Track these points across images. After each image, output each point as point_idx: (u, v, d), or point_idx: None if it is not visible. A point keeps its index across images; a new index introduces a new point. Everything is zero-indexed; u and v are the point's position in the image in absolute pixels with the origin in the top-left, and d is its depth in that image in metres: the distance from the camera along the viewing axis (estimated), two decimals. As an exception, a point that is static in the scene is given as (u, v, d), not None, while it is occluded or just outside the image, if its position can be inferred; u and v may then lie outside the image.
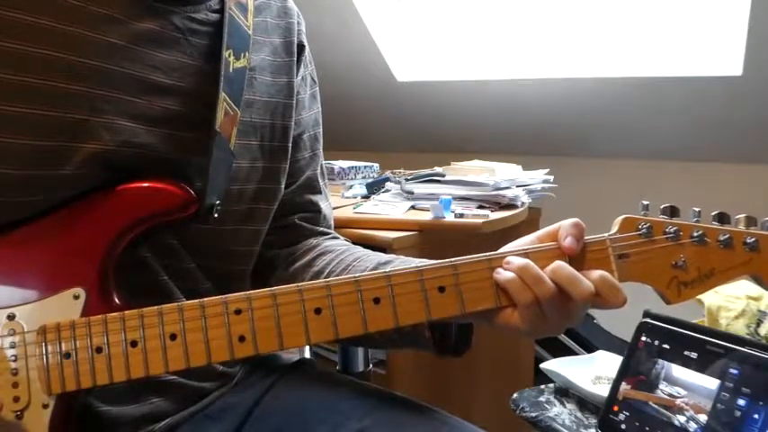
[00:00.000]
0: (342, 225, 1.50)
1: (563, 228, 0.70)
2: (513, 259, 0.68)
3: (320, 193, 0.96)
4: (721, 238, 0.69)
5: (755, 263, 0.69)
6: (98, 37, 0.69)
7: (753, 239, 0.69)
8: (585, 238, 0.70)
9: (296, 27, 0.92)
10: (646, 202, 0.72)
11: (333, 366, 1.55)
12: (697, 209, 0.71)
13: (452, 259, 0.68)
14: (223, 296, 0.66)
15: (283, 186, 0.89)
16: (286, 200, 0.90)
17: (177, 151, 0.75)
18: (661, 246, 0.70)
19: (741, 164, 2.31)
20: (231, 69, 0.78)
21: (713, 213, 0.71)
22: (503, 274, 0.67)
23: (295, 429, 0.79)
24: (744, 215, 0.70)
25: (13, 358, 0.64)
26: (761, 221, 0.70)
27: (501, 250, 0.71)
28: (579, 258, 0.68)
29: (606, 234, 0.71)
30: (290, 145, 0.89)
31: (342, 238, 0.97)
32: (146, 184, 0.71)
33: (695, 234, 0.70)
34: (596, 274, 0.67)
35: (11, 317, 0.65)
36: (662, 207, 0.72)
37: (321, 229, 0.95)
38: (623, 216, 0.72)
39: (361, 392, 0.84)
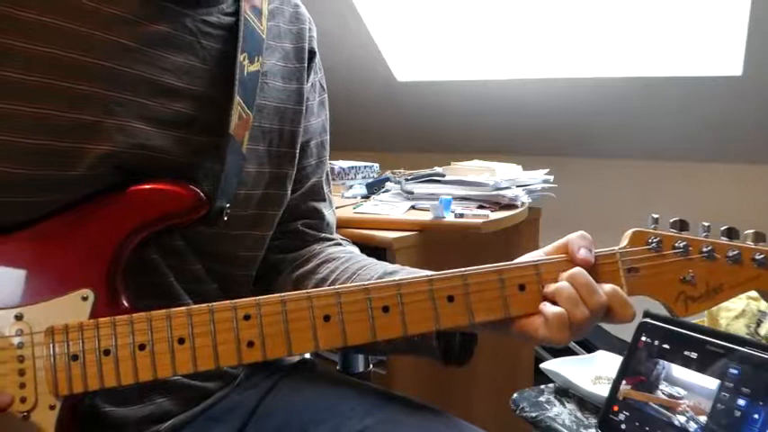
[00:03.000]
0: (342, 225, 1.50)
1: (573, 241, 0.70)
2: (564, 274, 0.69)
3: (325, 200, 0.97)
4: (730, 254, 0.70)
5: (764, 279, 0.70)
6: (110, 38, 0.69)
7: (761, 256, 0.69)
8: (596, 251, 0.71)
9: (307, 33, 0.92)
10: (655, 216, 0.72)
11: (333, 366, 1.55)
12: (706, 223, 0.71)
13: (462, 269, 0.69)
14: (232, 301, 0.66)
15: (289, 192, 0.89)
16: (291, 206, 0.90)
17: (189, 154, 0.75)
18: (670, 261, 0.71)
19: (741, 164, 2.32)
20: (245, 73, 0.78)
21: (722, 228, 0.71)
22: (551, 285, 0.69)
23: (296, 429, 0.79)
24: (752, 231, 0.70)
25: (21, 359, 0.64)
26: None
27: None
28: (589, 271, 0.69)
29: (616, 247, 0.72)
30: (298, 151, 0.89)
31: (344, 243, 0.97)
32: (156, 186, 0.71)
33: (704, 249, 0.70)
34: (608, 287, 0.68)
35: (19, 317, 0.65)
36: (671, 221, 0.72)
37: (324, 235, 0.95)
38: (633, 230, 0.72)
39: (362, 392, 0.84)
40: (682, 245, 0.71)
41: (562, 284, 0.68)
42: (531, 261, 0.70)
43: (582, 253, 0.69)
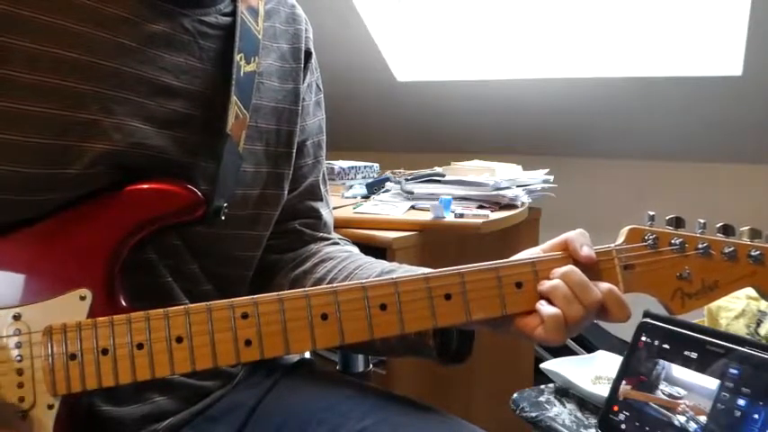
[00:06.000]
0: (342, 225, 1.51)
1: (574, 239, 0.70)
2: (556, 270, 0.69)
3: (321, 199, 0.97)
4: (726, 250, 0.70)
5: (759, 275, 0.70)
6: (110, 37, 0.70)
7: (757, 252, 0.69)
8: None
9: (304, 34, 0.92)
10: (651, 213, 0.72)
11: (333, 366, 1.55)
12: (702, 220, 0.71)
13: (459, 267, 0.69)
14: (230, 300, 0.66)
15: (286, 192, 0.89)
16: (287, 205, 0.91)
17: (186, 154, 0.75)
18: (667, 257, 0.71)
19: (741, 164, 2.32)
20: (242, 73, 0.79)
21: (718, 225, 0.71)
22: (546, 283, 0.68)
23: (295, 429, 0.79)
24: (748, 227, 0.70)
25: (19, 358, 0.64)
26: (765, 234, 0.70)
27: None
28: (586, 268, 0.69)
29: (612, 244, 0.72)
30: (295, 151, 0.89)
31: (342, 242, 0.97)
32: (154, 186, 0.71)
33: (700, 246, 0.70)
34: (604, 286, 0.68)
35: (17, 317, 0.65)
36: (667, 218, 0.72)
37: (321, 234, 0.96)
38: (629, 226, 0.72)
39: (362, 392, 0.84)
40: (678, 242, 0.71)
41: (556, 283, 0.68)
42: (528, 259, 0.70)
43: (585, 250, 0.69)
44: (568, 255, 0.70)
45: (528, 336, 0.69)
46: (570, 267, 0.68)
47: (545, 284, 0.68)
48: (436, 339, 0.77)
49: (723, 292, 0.71)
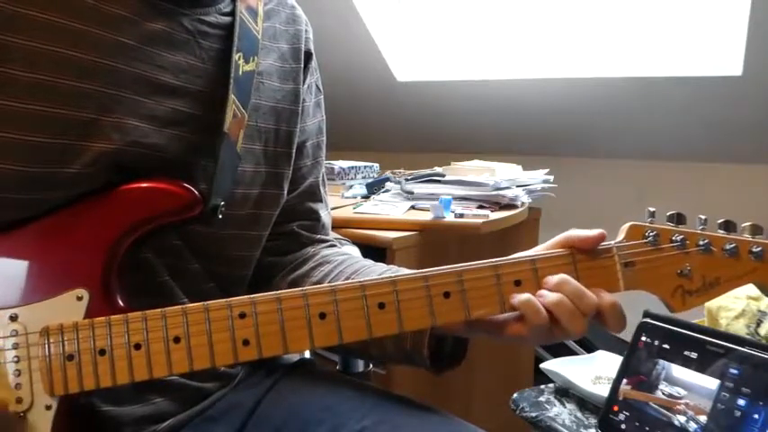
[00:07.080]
0: (342, 225, 1.51)
1: (573, 232, 0.70)
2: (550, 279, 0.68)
3: (321, 201, 0.97)
4: (727, 246, 0.69)
5: (761, 272, 0.69)
6: (109, 36, 0.70)
7: (759, 248, 0.69)
8: None
9: (304, 35, 0.92)
10: (652, 209, 0.72)
11: (333, 366, 1.55)
12: (703, 216, 0.71)
13: (458, 265, 0.68)
14: (227, 300, 0.66)
15: (286, 193, 0.89)
16: (286, 206, 0.91)
17: (185, 152, 0.75)
18: (667, 254, 0.70)
19: (741, 164, 2.32)
20: (240, 72, 0.79)
21: (719, 221, 0.70)
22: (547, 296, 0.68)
23: (295, 430, 0.79)
24: (749, 223, 0.70)
25: (16, 359, 0.64)
26: (766, 230, 0.70)
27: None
28: (586, 266, 0.69)
29: (613, 242, 0.71)
30: (294, 151, 0.89)
31: (340, 244, 0.97)
32: (149, 185, 0.70)
33: (701, 243, 0.70)
34: (607, 299, 0.68)
35: (13, 317, 0.65)
36: (668, 214, 0.71)
37: (319, 236, 0.96)
38: (630, 223, 0.72)
39: (362, 392, 0.84)
40: (679, 238, 0.70)
41: (560, 298, 0.67)
42: (527, 256, 0.70)
43: (593, 231, 0.69)
44: (568, 252, 0.70)
45: (524, 343, 0.69)
46: (564, 277, 0.68)
47: (547, 297, 0.67)
48: (430, 349, 0.77)
49: (724, 289, 0.70)
